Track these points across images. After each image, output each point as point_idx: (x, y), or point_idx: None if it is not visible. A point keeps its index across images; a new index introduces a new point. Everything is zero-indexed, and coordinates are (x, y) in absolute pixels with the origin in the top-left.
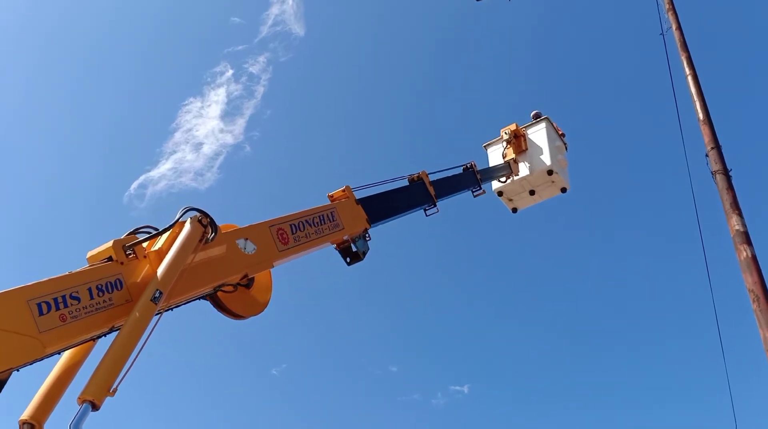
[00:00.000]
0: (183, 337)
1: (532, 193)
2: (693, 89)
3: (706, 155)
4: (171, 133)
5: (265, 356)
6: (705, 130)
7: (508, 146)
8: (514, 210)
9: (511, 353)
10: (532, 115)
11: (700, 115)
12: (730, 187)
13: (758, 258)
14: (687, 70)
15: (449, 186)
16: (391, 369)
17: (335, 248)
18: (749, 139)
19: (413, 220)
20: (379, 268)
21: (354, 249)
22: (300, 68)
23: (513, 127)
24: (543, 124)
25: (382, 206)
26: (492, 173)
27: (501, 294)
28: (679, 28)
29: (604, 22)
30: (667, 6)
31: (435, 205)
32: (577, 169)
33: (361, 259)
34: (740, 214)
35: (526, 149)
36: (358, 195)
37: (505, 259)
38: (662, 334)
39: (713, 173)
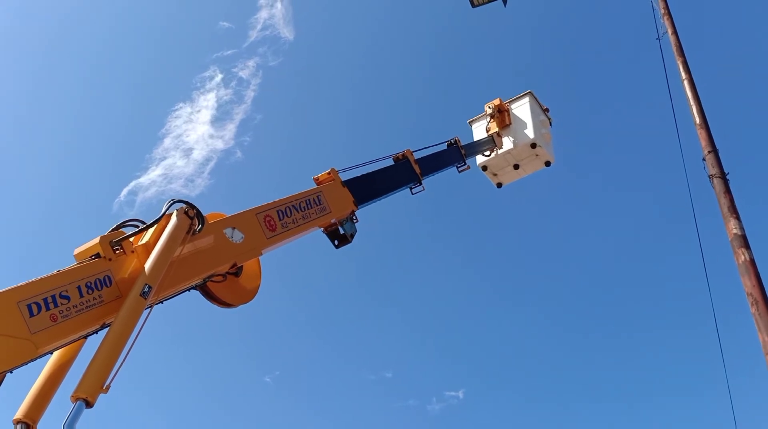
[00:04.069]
0: (176, 345)
1: (516, 167)
2: (689, 93)
3: (703, 159)
4: (160, 138)
5: (257, 364)
6: (702, 134)
7: (492, 120)
8: (499, 185)
9: (505, 355)
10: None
11: (697, 119)
12: (728, 190)
13: (756, 262)
14: (683, 75)
15: (434, 163)
16: (385, 375)
17: (323, 232)
18: (746, 143)
19: (404, 217)
20: (371, 272)
21: (342, 232)
22: (290, 72)
23: (497, 101)
24: (526, 99)
25: (369, 187)
26: (476, 147)
27: (494, 295)
28: (675, 32)
29: (601, 26)
30: (662, 11)
31: (421, 184)
32: (576, 173)
33: (350, 242)
34: (738, 218)
35: (510, 124)
36: (344, 177)
37: (498, 260)
38: (661, 336)
39: (710, 177)
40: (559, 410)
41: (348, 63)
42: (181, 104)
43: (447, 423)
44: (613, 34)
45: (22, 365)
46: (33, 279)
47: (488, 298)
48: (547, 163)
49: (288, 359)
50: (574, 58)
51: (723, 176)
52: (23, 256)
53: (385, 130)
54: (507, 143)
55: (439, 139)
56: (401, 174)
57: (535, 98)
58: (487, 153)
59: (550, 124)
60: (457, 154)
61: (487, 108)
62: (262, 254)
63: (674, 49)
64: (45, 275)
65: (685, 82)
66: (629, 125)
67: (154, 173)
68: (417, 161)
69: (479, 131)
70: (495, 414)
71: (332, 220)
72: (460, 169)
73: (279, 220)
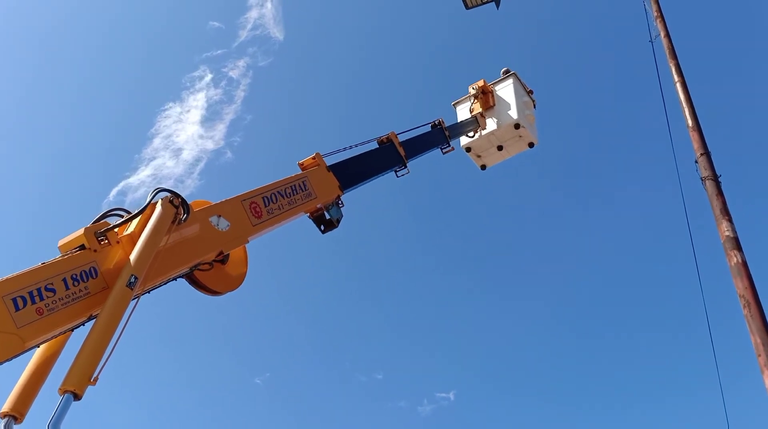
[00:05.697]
0: (165, 346)
1: (500, 148)
2: (682, 96)
3: (696, 161)
4: (150, 139)
5: (248, 365)
6: (694, 137)
7: (476, 101)
8: (483, 167)
9: (496, 356)
10: (502, 71)
11: (689, 122)
12: (720, 193)
13: (748, 264)
14: (676, 77)
15: (419, 145)
16: (376, 376)
17: (309, 217)
18: (738, 146)
19: (394, 216)
20: (361, 273)
21: (328, 217)
22: (280, 72)
23: (481, 83)
24: (510, 80)
25: (354, 171)
26: (460, 128)
27: (485, 296)
28: (668, 35)
29: (594, 29)
30: (655, 14)
31: (406, 166)
32: (569, 175)
33: (336, 227)
34: (730, 220)
35: (494, 105)
36: (329, 161)
37: (488, 261)
38: (653, 338)
39: (703, 179)
40: (550, 411)
41: (338, 62)
42: (170, 104)
43: (438, 424)
44: (606, 37)
45: (9, 360)
46: (17, 272)
47: (479, 299)
48: (531, 145)
49: (278, 361)
50: (567, 60)
51: (715, 178)
52: (9, 258)
53: (373, 118)
54: (491, 124)
55: (424, 122)
56: (386, 157)
57: (519, 80)
58: (471, 134)
59: (534, 106)
60: (441, 135)
61: (471, 89)
62: (248, 242)
63: (667, 51)
64: (29, 268)
65: (678, 85)
66: (622, 127)
67: (143, 173)
68: (401, 144)
69: (463, 113)
70: (486, 415)
71: (318, 206)
72: (444, 151)
73: (265, 206)
